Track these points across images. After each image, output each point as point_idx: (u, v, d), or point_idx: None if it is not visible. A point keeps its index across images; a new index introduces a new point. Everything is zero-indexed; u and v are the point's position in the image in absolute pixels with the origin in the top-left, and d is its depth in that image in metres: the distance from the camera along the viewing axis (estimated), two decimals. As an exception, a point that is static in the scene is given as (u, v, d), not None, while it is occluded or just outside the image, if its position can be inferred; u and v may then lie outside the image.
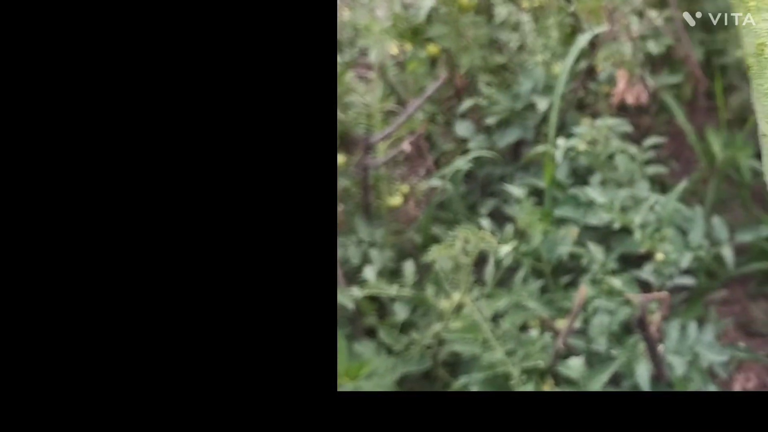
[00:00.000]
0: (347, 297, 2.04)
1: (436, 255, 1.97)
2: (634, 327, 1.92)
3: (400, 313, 2.13)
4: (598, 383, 1.89)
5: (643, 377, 1.88)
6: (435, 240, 2.29)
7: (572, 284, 2.16)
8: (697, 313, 2.17)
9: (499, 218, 2.31)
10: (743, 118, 2.45)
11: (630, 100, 2.31)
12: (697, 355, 1.94)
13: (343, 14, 2.48)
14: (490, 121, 2.40)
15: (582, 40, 2.32)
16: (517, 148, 2.45)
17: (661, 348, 1.91)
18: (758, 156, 2.36)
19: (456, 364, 2.12)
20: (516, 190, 2.20)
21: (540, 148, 2.28)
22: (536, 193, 2.31)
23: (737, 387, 2.12)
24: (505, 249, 2.04)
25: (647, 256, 2.14)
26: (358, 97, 2.34)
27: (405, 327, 2.14)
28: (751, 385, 2.17)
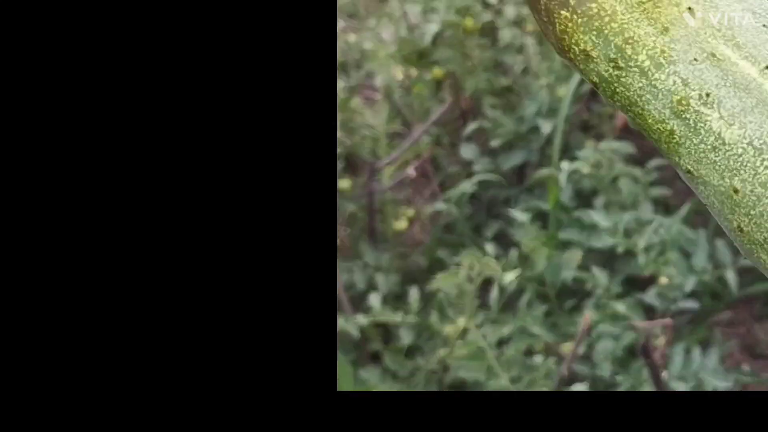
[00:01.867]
0: (352, 324, 2.05)
1: (441, 284, 1.99)
2: (638, 353, 1.93)
3: (405, 338, 2.14)
4: (600, 409, 1.90)
5: (647, 402, 1.89)
6: (440, 263, 2.30)
7: (576, 308, 2.17)
8: (702, 335, 2.17)
9: (504, 241, 2.32)
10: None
11: (631, 123, 2.31)
12: (701, 381, 1.95)
13: (349, 37, 2.50)
14: (495, 143, 2.42)
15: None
16: (521, 170, 2.46)
17: (664, 375, 1.92)
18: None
19: (461, 390, 2.13)
20: (519, 214, 2.21)
21: (544, 171, 2.29)
22: (540, 216, 2.32)
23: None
24: (510, 276, 2.05)
25: (651, 280, 2.15)
26: (364, 120, 2.36)
27: (410, 352, 2.15)
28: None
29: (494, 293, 2.13)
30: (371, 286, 2.23)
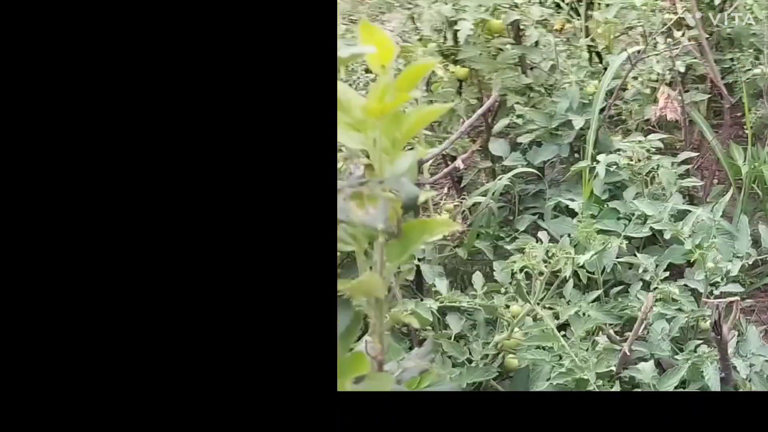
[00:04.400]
0: (424, 308, 2.12)
1: (520, 265, 2.08)
2: (709, 330, 2.01)
3: (458, 325, 2.20)
4: (668, 387, 1.99)
5: (713, 380, 1.98)
6: (479, 254, 2.39)
7: (621, 294, 2.26)
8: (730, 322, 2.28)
9: (533, 234, 2.40)
10: (762, 133, 2.59)
11: (670, 116, 2.43)
12: (757, 358, 2.06)
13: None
14: (524, 139, 2.50)
15: (617, 60, 2.45)
16: (547, 165, 2.55)
17: (730, 351, 2.01)
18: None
19: (516, 375, 2.20)
20: (570, 202, 2.30)
21: (582, 164, 2.38)
22: (566, 211, 2.41)
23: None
24: (582, 259, 2.13)
25: (685, 266, 2.26)
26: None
27: (460, 339, 2.22)
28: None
29: (538, 281, 2.21)
30: (418, 276, 2.30)
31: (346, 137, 1.28)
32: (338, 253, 1.43)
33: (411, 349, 2.22)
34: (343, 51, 1.27)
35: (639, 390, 2.03)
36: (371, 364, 1.45)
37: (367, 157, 1.31)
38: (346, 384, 1.44)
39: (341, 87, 1.30)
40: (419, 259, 2.33)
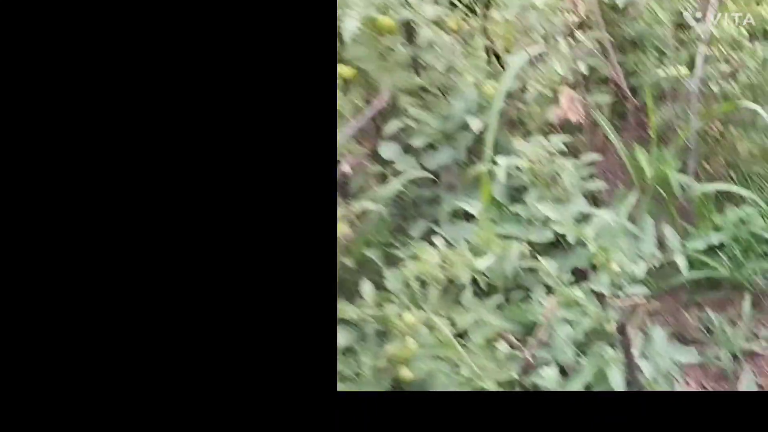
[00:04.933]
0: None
1: (414, 271, 1.94)
2: (613, 333, 1.90)
3: (345, 338, 2.03)
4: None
5: (618, 382, 1.87)
6: (367, 263, 2.22)
7: (523, 299, 2.12)
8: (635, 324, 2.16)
9: (430, 241, 2.26)
10: (666, 135, 2.49)
11: (571, 118, 2.31)
12: (662, 359, 1.95)
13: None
14: (418, 142, 2.36)
15: (517, 61, 2.32)
16: (443, 169, 2.41)
17: (635, 353, 1.90)
18: (682, 171, 2.41)
19: (411, 387, 2.04)
20: (470, 207, 2.16)
21: (480, 167, 2.24)
22: (464, 216, 2.27)
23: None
24: (483, 264, 2.00)
25: (589, 270, 2.14)
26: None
27: (347, 352, 2.05)
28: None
29: (434, 287, 2.06)
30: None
31: None
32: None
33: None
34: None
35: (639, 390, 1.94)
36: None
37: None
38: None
39: None
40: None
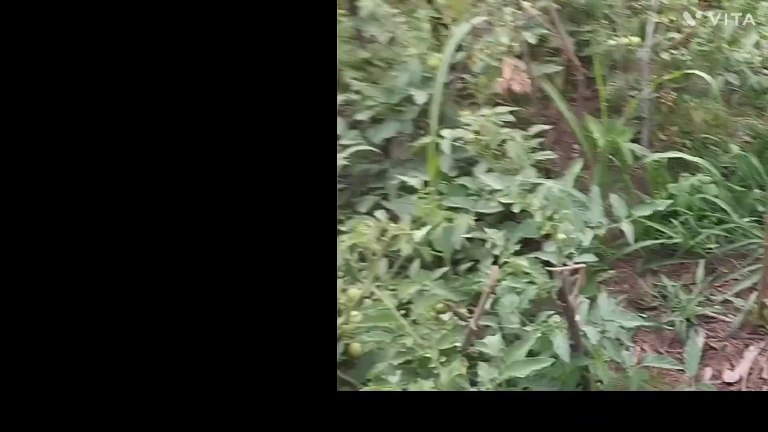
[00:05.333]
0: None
1: (351, 242, 1.94)
2: (555, 299, 1.89)
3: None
4: (516, 358, 1.85)
5: (562, 349, 1.86)
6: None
7: (471, 270, 2.12)
8: (591, 293, 2.16)
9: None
10: (618, 105, 2.48)
11: (516, 89, 2.30)
12: (608, 325, 1.94)
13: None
14: (362, 116, 2.35)
15: (460, 31, 2.31)
16: (390, 143, 2.40)
17: (577, 319, 1.89)
18: (636, 141, 2.40)
19: (356, 360, 2.04)
20: (412, 180, 2.16)
21: (425, 140, 2.24)
22: (413, 190, 2.27)
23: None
24: (413, 237, 2.00)
25: (542, 239, 2.13)
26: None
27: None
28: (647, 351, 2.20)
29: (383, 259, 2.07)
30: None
31: None
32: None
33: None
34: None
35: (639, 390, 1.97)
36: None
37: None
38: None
39: None
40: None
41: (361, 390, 1.72)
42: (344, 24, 2.39)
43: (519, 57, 2.39)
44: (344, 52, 2.38)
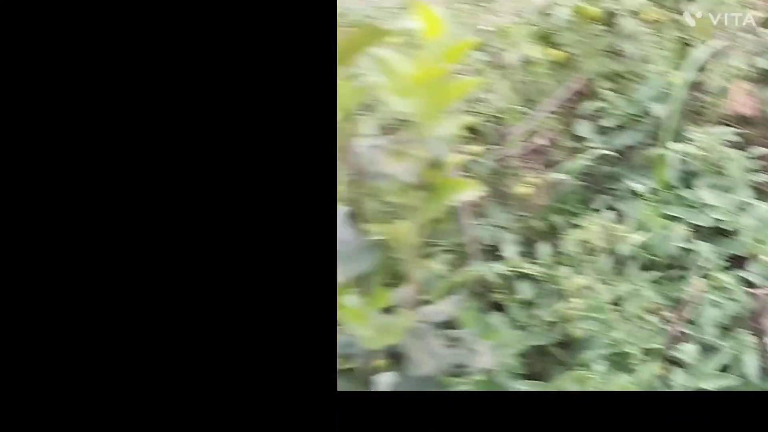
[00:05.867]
0: (490, 271, 2.33)
1: (577, 237, 2.26)
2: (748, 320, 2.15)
3: (527, 291, 2.39)
4: (708, 369, 2.13)
5: (751, 368, 2.12)
6: (554, 228, 2.57)
7: (679, 278, 2.40)
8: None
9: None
10: None
11: (744, 111, 2.55)
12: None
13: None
14: (608, 123, 2.66)
15: (700, 53, 2.58)
16: (628, 150, 2.71)
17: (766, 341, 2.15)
18: None
19: (571, 344, 2.37)
20: (640, 186, 2.46)
21: (657, 150, 2.53)
22: (639, 195, 2.56)
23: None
24: (634, 239, 2.30)
25: (748, 259, 2.39)
26: (492, 94, 2.62)
27: (528, 305, 2.41)
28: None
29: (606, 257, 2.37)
30: (496, 242, 2.50)
31: (393, 100, 1.44)
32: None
33: (482, 308, 2.42)
34: (394, 23, 1.44)
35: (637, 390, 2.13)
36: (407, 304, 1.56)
37: (411, 119, 1.45)
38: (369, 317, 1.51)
39: (390, 54, 1.43)
40: (501, 227, 2.53)
41: (361, 390, 1.67)
42: (603, 39, 2.69)
43: (751, 81, 2.63)
44: (599, 63, 2.68)
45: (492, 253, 2.48)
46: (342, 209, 1.47)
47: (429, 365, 1.45)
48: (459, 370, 1.53)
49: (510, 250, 2.44)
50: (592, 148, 2.64)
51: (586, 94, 2.74)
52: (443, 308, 1.56)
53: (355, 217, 1.46)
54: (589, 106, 2.69)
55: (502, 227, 2.53)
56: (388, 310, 1.45)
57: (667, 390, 2.13)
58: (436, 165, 1.44)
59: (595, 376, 2.09)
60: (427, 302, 1.73)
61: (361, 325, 1.41)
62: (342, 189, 1.46)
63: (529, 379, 2.25)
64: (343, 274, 1.44)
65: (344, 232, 1.47)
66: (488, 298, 2.45)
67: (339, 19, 1.32)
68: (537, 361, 2.37)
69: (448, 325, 1.60)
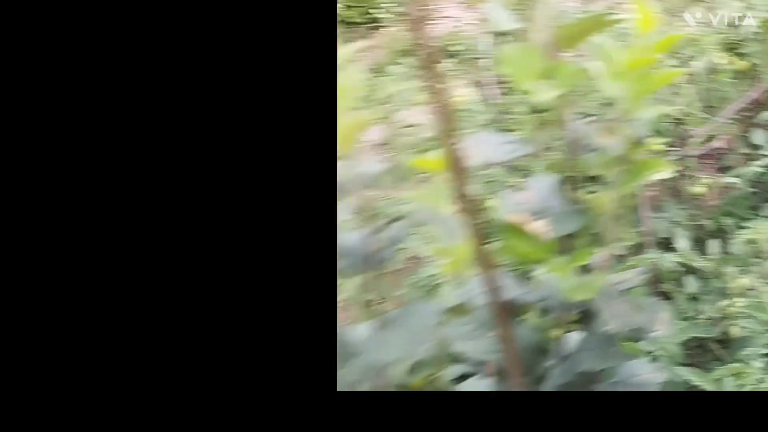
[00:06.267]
0: (663, 260, 2.51)
1: (744, 239, 2.43)
2: None
3: (694, 285, 2.56)
4: None
5: None
6: (723, 229, 2.73)
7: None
8: None
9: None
10: None
11: None
12: None
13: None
14: (783, 133, 2.82)
15: None
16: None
17: None
18: None
19: (731, 340, 2.53)
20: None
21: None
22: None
23: None
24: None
25: None
26: (678, 97, 2.79)
27: (694, 298, 2.58)
28: None
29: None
30: (669, 236, 2.68)
31: (607, 83, 1.52)
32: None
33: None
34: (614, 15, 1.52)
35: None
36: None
37: (620, 102, 1.53)
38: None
39: (608, 42, 1.54)
40: (675, 222, 2.71)
41: (361, 390, 1.62)
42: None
43: None
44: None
45: (665, 245, 2.65)
46: (555, 176, 1.61)
47: (615, 324, 1.55)
48: (638, 335, 1.63)
49: (682, 243, 2.61)
50: (765, 156, 2.78)
51: (765, 103, 2.89)
52: (631, 276, 1.68)
53: (566, 183, 1.59)
54: (766, 115, 2.83)
55: (677, 222, 2.69)
56: (586, 270, 1.57)
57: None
58: (638, 144, 1.57)
59: (752, 371, 2.24)
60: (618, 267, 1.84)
61: (562, 278, 1.54)
62: (557, 159, 1.60)
63: (689, 367, 2.39)
64: (553, 233, 1.57)
65: (555, 197, 1.61)
66: (658, 288, 2.62)
67: (557, 20, 1.45)
68: (697, 352, 2.52)
69: (633, 292, 1.71)
